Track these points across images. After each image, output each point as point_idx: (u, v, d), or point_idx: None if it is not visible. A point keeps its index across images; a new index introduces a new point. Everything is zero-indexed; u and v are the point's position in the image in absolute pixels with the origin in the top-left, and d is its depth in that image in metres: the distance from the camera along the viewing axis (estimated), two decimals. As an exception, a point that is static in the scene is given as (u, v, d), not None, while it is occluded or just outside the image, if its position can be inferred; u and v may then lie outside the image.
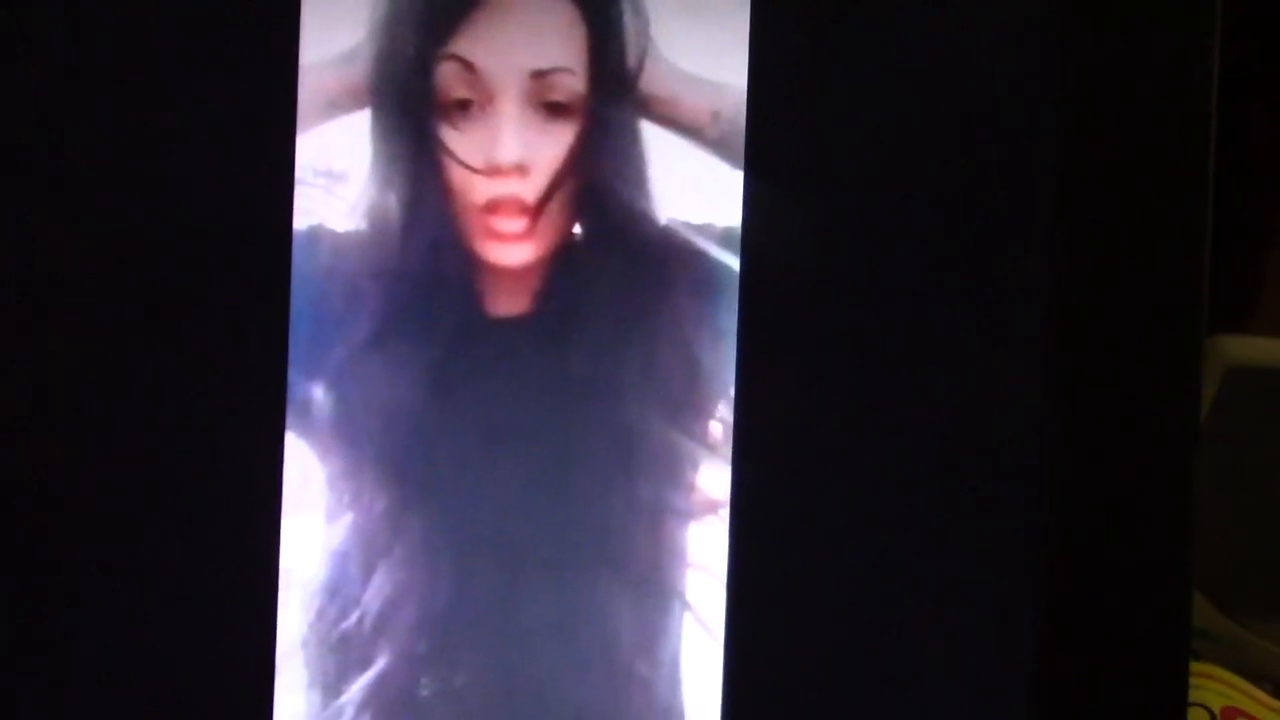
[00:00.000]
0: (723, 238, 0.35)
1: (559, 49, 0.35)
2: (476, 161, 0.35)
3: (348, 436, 0.35)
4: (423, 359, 0.35)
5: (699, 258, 0.35)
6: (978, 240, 0.36)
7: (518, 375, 0.36)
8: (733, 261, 0.35)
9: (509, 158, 0.35)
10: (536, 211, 0.35)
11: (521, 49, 0.35)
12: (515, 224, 0.35)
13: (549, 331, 0.35)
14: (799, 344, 0.36)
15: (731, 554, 0.36)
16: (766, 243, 0.36)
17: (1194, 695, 0.40)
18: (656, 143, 0.35)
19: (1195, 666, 0.40)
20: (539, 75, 0.35)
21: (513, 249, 0.35)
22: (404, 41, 0.35)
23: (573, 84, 0.35)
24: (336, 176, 0.35)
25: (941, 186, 0.36)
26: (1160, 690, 0.36)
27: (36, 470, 0.35)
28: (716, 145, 0.35)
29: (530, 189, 0.35)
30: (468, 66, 0.35)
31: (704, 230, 0.35)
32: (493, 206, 0.35)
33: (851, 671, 0.36)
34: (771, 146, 0.36)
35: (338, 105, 0.35)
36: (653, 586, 0.36)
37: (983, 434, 0.36)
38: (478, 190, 0.35)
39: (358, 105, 0.35)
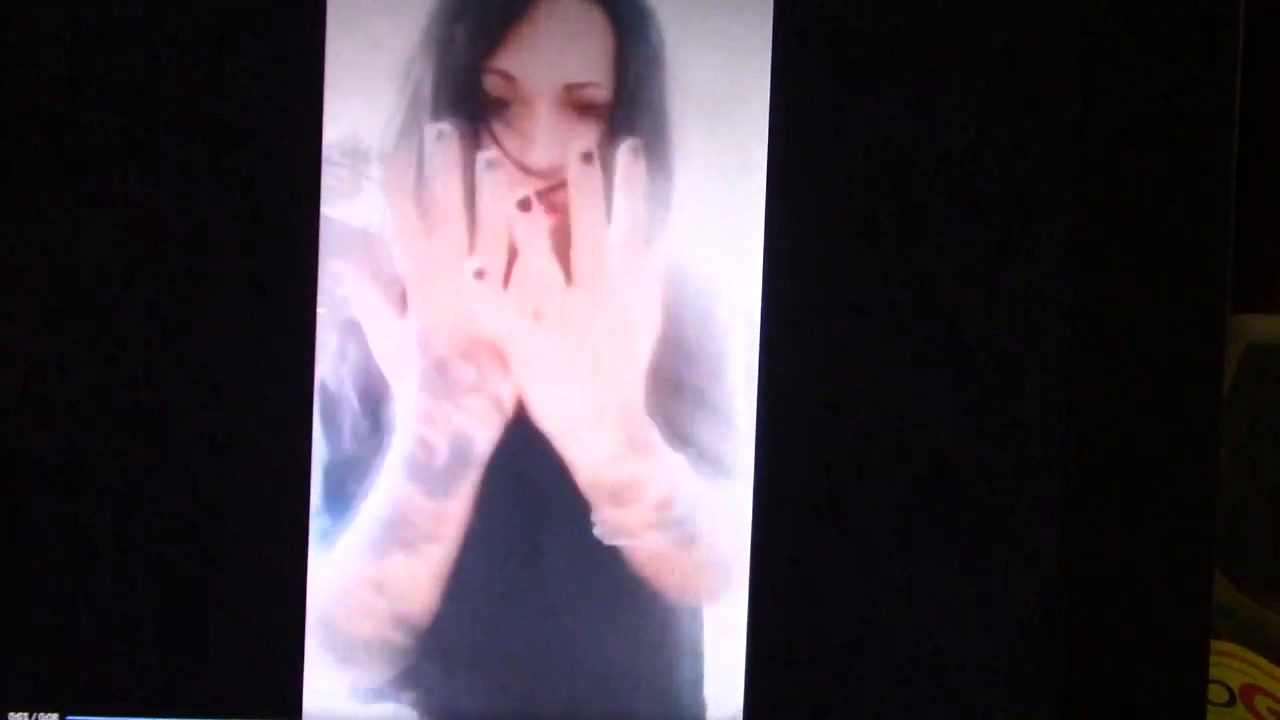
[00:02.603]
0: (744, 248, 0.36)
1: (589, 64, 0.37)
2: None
3: (378, 421, 0.36)
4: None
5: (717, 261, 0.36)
6: (1001, 220, 0.36)
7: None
8: (756, 273, 0.36)
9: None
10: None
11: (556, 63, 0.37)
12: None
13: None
14: (823, 324, 0.36)
15: (755, 527, 0.36)
16: (787, 245, 0.36)
17: (1213, 673, 0.40)
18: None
19: (1215, 644, 0.40)
20: (572, 88, 0.36)
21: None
22: (451, 56, 0.36)
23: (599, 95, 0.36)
24: (362, 155, 0.36)
25: (963, 163, 0.36)
26: (1181, 668, 0.36)
27: (66, 452, 0.36)
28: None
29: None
30: (508, 78, 0.36)
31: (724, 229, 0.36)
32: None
33: (871, 639, 0.36)
34: (792, 137, 0.36)
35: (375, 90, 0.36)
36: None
37: (1006, 410, 0.36)
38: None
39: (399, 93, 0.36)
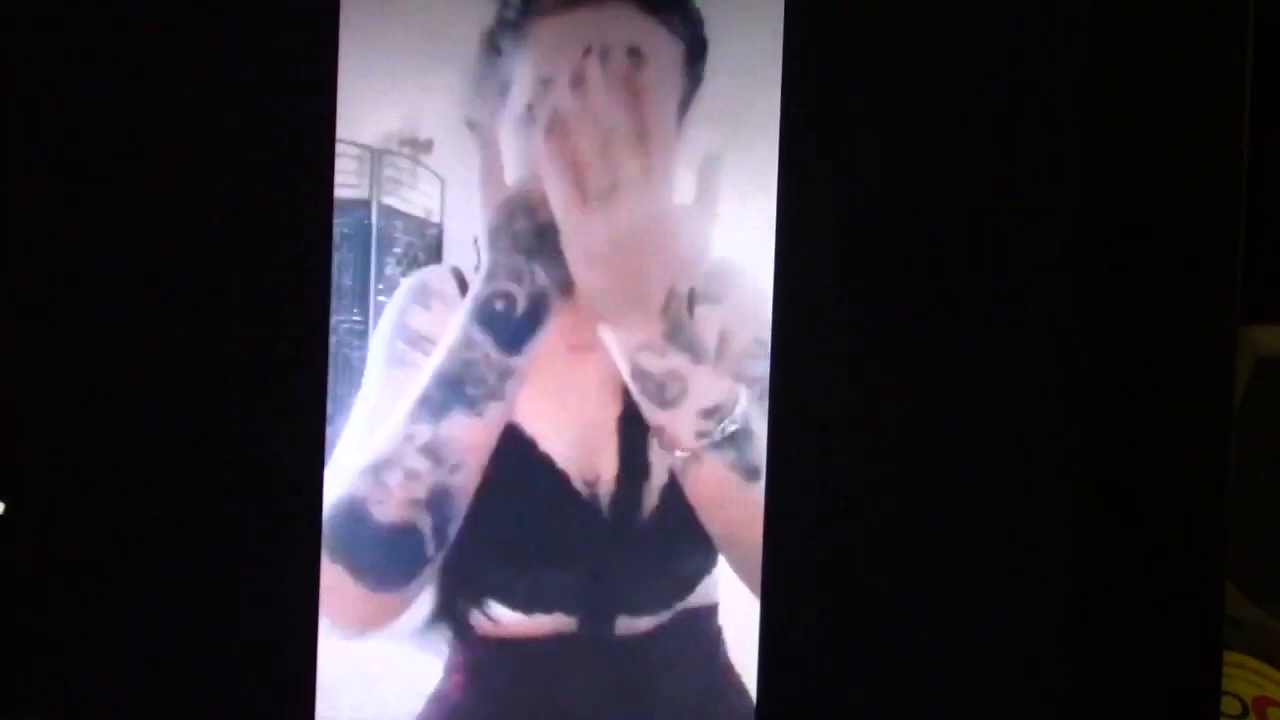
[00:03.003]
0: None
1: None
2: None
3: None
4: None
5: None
6: (1007, 231, 0.36)
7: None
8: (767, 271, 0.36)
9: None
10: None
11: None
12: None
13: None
14: (834, 326, 0.36)
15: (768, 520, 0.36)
16: (801, 246, 0.36)
17: (1226, 684, 0.40)
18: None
19: (1227, 656, 0.40)
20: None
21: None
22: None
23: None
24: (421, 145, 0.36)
25: (970, 175, 0.36)
26: (1193, 680, 0.36)
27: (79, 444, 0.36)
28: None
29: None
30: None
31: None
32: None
33: (883, 647, 0.36)
34: (805, 134, 0.36)
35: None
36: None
37: (1015, 424, 0.36)
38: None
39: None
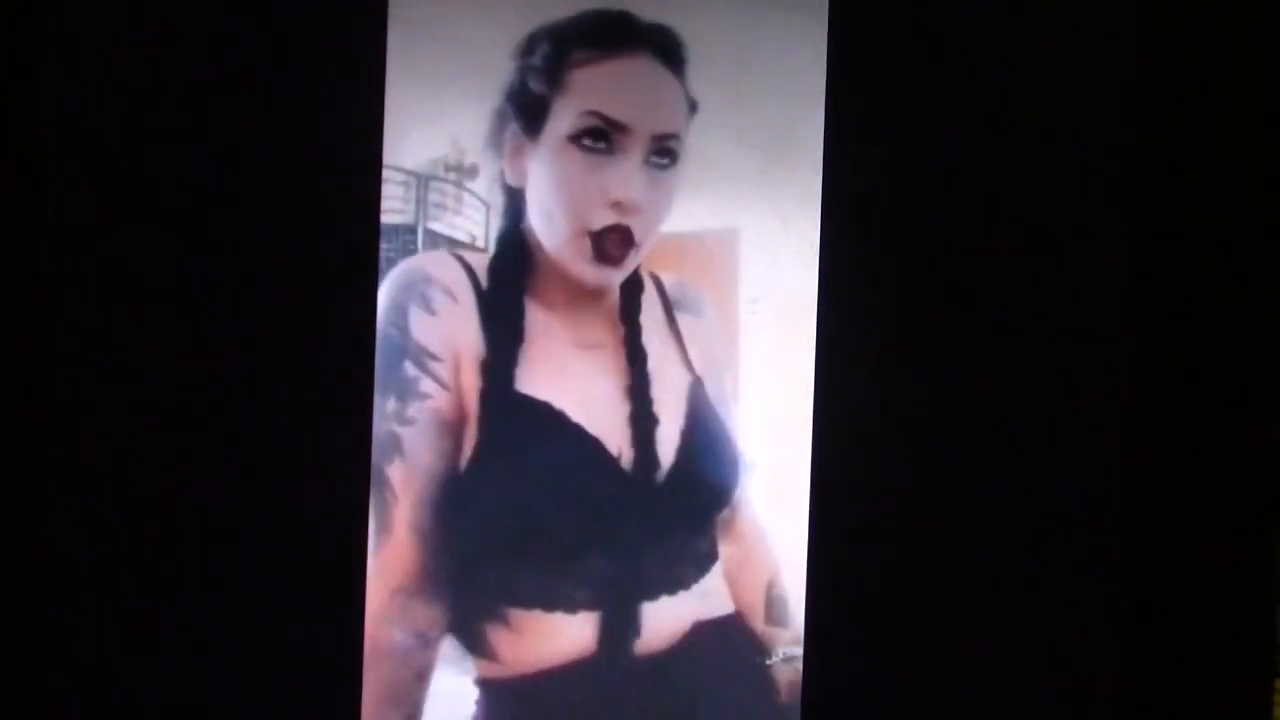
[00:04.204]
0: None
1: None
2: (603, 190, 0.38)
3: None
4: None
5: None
6: (1058, 251, 0.36)
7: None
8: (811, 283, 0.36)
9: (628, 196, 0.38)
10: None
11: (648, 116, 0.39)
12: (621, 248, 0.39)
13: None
14: (884, 330, 0.36)
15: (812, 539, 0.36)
16: (846, 246, 0.36)
17: (1275, 713, 0.40)
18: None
19: (1277, 683, 0.40)
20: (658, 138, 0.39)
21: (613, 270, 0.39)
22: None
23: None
24: (466, 171, 0.37)
25: (1026, 186, 0.36)
26: (1243, 706, 0.36)
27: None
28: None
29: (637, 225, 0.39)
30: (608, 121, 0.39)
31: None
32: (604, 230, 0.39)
33: (928, 669, 0.36)
34: (849, 147, 0.36)
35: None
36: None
37: (1067, 442, 0.36)
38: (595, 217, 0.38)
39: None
